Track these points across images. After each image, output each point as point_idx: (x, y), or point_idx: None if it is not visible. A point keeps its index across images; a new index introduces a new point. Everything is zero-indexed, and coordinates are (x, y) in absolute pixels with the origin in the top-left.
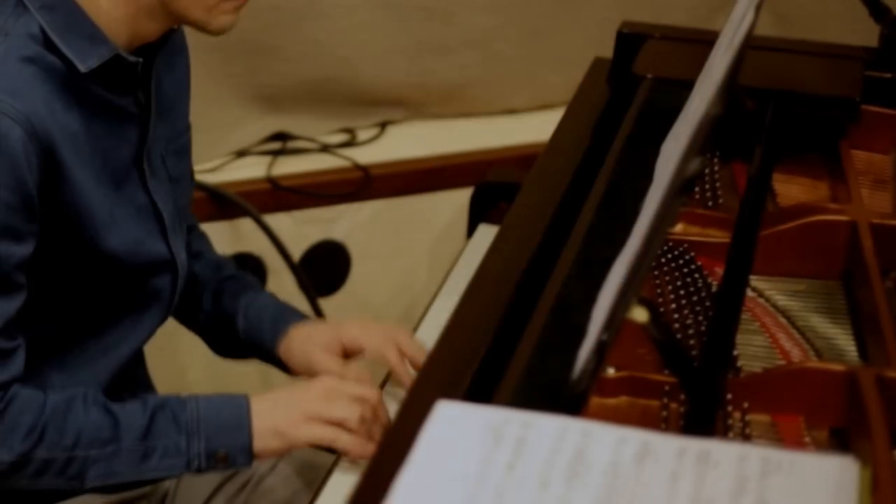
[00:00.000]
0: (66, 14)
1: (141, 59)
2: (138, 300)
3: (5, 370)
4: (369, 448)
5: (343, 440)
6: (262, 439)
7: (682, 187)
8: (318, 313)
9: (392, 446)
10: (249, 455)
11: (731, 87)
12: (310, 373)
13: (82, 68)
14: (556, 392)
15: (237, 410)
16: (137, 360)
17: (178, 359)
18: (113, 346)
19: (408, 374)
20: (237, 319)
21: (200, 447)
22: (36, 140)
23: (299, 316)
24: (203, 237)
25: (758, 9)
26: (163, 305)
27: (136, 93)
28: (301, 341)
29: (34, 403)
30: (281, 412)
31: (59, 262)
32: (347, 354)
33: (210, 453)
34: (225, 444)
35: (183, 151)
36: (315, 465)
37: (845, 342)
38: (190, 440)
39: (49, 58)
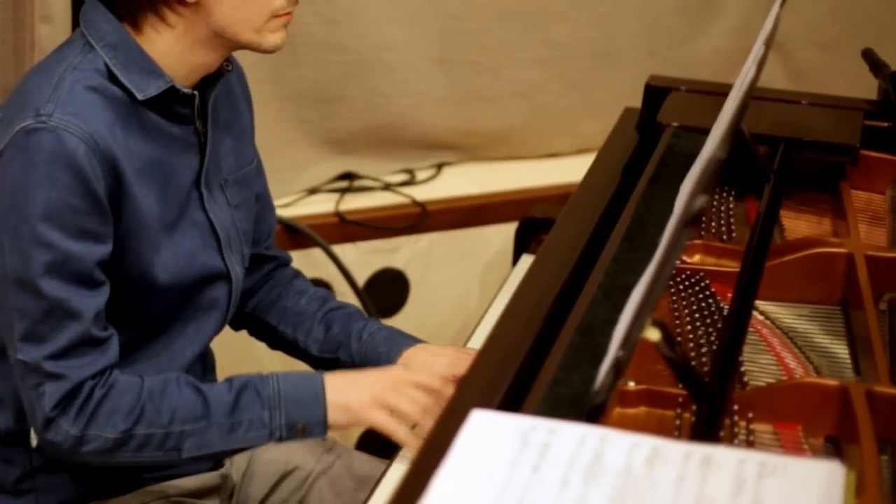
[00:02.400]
0: (127, 52)
1: (196, 92)
2: (198, 308)
3: (103, 357)
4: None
5: (400, 433)
6: (335, 413)
7: (691, 220)
8: None
9: (433, 449)
10: (324, 427)
11: (736, 132)
12: None
13: (140, 96)
14: (578, 403)
15: (313, 386)
16: (203, 360)
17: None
18: (178, 348)
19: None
20: (350, 345)
21: (281, 420)
22: (100, 155)
23: (408, 339)
24: (301, 274)
25: (759, 65)
26: (220, 313)
27: (194, 123)
28: (418, 365)
29: (133, 386)
30: (354, 391)
31: (123, 273)
32: None
33: (290, 425)
34: (303, 416)
35: (245, 182)
36: (369, 467)
37: (843, 360)
38: (272, 414)
39: (112, 88)
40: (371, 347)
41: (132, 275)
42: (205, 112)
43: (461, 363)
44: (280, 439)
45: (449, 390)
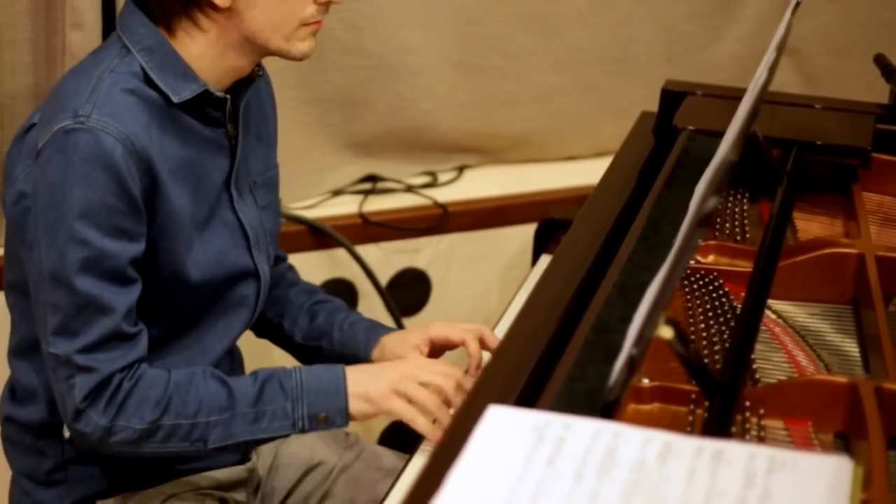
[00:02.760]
0: (163, 55)
1: (228, 96)
2: (228, 305)
3: (132, 351)
4: (439, 434)
5: (419, 421)
6: (356, 404)
7: (703, 221)
8: None
9: (451, 443)
10: (345, 417)
11: (749, 135)
12: None
13: (175, 99)
14: (593, 399)
15: (334, 378)
16: (230, 356)
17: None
18: (208, 343)
19: (477, 358)
20: (332, 333)
21: (303, 411)
22: (136, 155)
23: (388, 329)
24: (294, 269)
25: (771, 70)
26: (249, 310)
27: (226, 126)
28: (393, 345)
29: (160, 379)
30: (373, 382)
31: (156, 270)
32: (436, 353)
33: (312, 416)
34: (324, 407)
35: (271, 184)
36: (390, 461)
37: (853, 358)
38: (295, 405)
39: (147, 91)
40: (351, 336)
41: (165, 272)
42: (236, 115)
43: (427, 331)
44: (303, 430)
45: (459, 375)
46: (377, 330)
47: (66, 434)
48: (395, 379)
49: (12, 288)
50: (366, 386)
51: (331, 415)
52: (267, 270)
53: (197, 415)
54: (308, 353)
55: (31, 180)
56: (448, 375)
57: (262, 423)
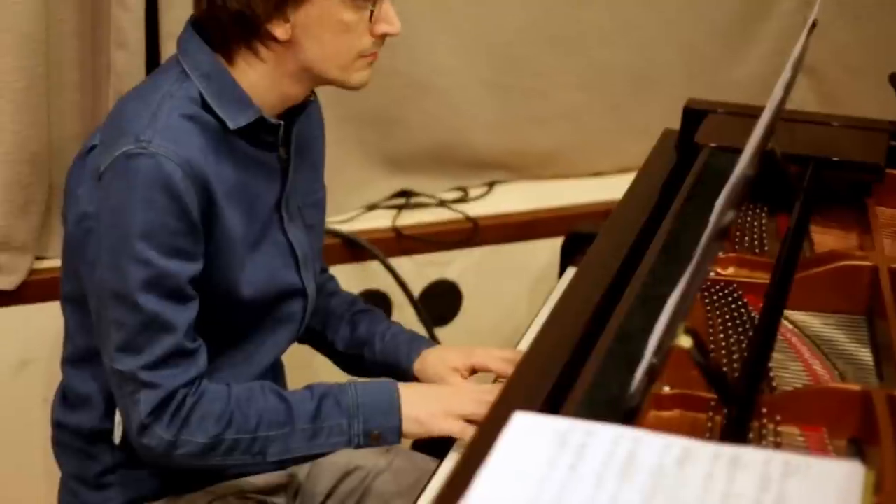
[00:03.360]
0: (221, 82)
1: (282, 122)
2: (276, 320)
3: (193, 366)
4: None
5: (469, 435)
6: (408, 424)
7: (721, 234)
8: (435, 340)
9: (478, 448)
10: (398, 435)
11: (766, 152)
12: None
13: (231, 126)
14: (615, 406)
15: (389, 397)
16: (275, 368)
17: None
18: (255, 357)
19: None
20: (374, 343)
21: (359, 428)
22: (194, 179)
23: (429, 342)
24: (334, 279)
25: (787, 88)
26: (295, 325)
27: (278, 150)
28: (434, 361)
29: (222, 394)
30: (424, 405)
31: (210, 287)
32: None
33: (367, 433)
34: (379, 425)
35: (318, 205)
36: (423, 466)
37: (867, 367)
38: (351, 422)
39: (205, 117)
40: (393, 347)
41: (219, 290)
42: (288, 140)
43: (469, 357)
44: (358, 446)
45: None
46: (419, 343)
47: (117, 440)
48: (445, 402)
49: (69, 300)
50: (418, 409)
51: (384, 432)
52: (314, 289)
53: (257, 429)
54: (349, 360)
55: (94, 202)
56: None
57: (320, 439)
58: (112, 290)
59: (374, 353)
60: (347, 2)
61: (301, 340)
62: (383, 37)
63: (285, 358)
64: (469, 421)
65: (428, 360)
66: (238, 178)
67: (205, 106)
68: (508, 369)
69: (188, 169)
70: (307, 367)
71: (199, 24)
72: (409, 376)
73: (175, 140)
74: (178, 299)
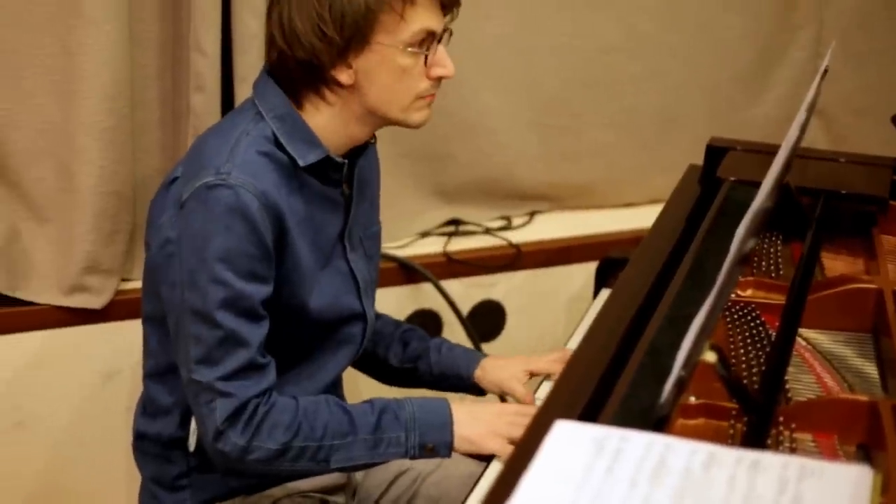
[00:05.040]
0: (292, 124)
1: (346, 161)
2: (338, 341)
3: (264, 379)
4: None
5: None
6: (460, 442)
7: (742, 260)
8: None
9: (522, 453)
10: (449, 449)
11: (782, 186)
12: (500, 392)
13: (301, 163)
14: (646, 415)
15: (443, 414)
16: (335, 385)
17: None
18: (318, 374)
19: None
20: (429, 356)
21: (415, 440)
22: (268, 209)
23: (482, 354)
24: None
25: (802, 128)
26: (355, 346)
27: (342, 186)
28: (494, 368)
29: (290, 405)
30: (474, 424)
31: (279, 308)
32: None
33: (422, 445)
34: (433, 439)
35: (375, 238)
36: (470, 469)
37: (873, 380)
38: (408, 435)
39: (278, 154)
40: (451, 359)
41: (288, 311)
42: (351, 177)
43: (526, 364)
44: (413, 457)
45: None
46: (475, 354)
47: (192, 447)
48: (493, 423)
49: (149, 320)
50: (468, 428)
51: (437, 446)
52: (373, 314)
53: (323, 438)
54: (403, 375)
55: (176, 228)
56: None
57: (380, 450)
58: (192, 308)
59: (429, 365)
60: (403, 49)
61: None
62: (439, 79)
63: None
64: (513, 442)
65: (487, 368)
66: (306, 210)
67: (277, 144)
68: (561, 368)
69: (263, 200)
70: (352, 383)
71: (273, 71)
72: (468, 384)
73: (252, 174)
74: (252, 318)
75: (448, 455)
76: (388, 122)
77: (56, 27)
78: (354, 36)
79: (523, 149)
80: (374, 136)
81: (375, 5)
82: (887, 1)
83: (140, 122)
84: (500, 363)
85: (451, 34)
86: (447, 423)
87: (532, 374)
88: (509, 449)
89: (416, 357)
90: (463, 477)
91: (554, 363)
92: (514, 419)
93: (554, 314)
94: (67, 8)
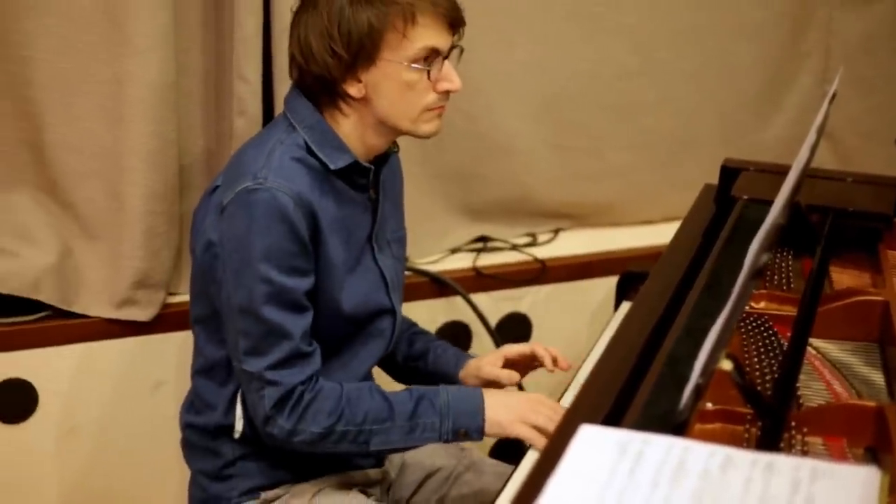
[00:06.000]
0: (322, 132)
1: (372, 166)
2: (369, 335)
3: (310, 366)
4: None
5: (539, 442)
6: (491, 427)
7: (756, 274)
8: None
9: (549, 456)
10: (481, 434)
11: (793, 204)
12: (483, 384)
13: (331, 167)
14: (666, 420)
15: (475, 402)
16: (367, 376)
17: None
18: (351, 365)
19: (549, 356)
20: (429, 355)
21: (449, 426)
22: (304, 209)
23: (469, 355)
24: None
25: (812, 149)
26: (385, 340)
27: (369, 191)
28: (474, 364)
29: (335, 391)
30: (504, 410)
31: (315, 305)
32: (522, 369)
33: (455, 430)
34: (465, 424)
35: (401, 241)
36: (499, 471)
37: (879, 387)
38: (442, 420)
39: (310, 160)
40: (444, 361)
41: (323, 307)
42: (377, 183)
43: (500, 352)
44: (447, 441)
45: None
46: (463, 356)
47: (237, 435)
48: (521, 410)
49: (197, 321)
50: (498, 413)
51: (469, 431)
52: (400, 310)
53: (363, 423)
54: (406, 371)
55: (218, 231)
56: (557, 411)
57: (416, 434)
58: (239, 305)
59: (427, 364)
60: (408, 65)
61: None
62: (446, 93)
63: None
64: (537, 428)
65: (469, 367)
66: (338, 211)
67: (309, 151)
68: (535, 346)
69: (298, 201)
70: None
71: (298, 86)
72: (456, 382)
73: (287, 178)
74: (296, 309)
75: (479, 438)
76: (399, 132)
77: (106, 56)
78: (361, 52)
79: (547, 169)
80: (395, 145)
81: (379, 24)
82: (892, 29)
83: (185, 145)
84: (476, 360)
85: (461, 51)
86: (479, 408)
87: (506, 360)
88: (534, 434)
89: (417, 357)
90: (493, 479)
91: (524, 347)
92: (538, 407)
93: (577, 325)
94: (116, 38)
